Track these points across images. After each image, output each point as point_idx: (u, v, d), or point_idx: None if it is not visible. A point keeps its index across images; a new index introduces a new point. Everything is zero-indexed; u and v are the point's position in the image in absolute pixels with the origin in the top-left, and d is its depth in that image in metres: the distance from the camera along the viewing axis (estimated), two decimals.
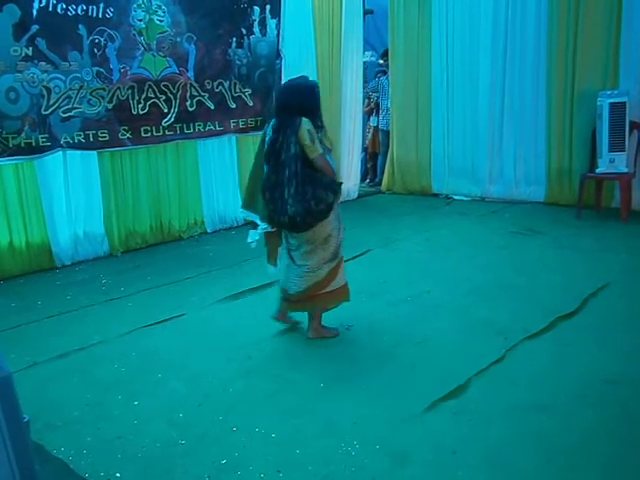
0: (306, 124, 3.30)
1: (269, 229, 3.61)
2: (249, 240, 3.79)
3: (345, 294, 3.68)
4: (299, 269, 3.56)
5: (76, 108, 5.38)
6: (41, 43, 5.06)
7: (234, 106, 6.63)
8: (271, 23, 6.82)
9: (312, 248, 3.52)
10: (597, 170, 6.34)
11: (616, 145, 6.16)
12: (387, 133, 8.81)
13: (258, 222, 3.63)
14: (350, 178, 8.31)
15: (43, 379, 3.34)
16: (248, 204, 3.73)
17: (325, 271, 3.55)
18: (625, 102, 6.10)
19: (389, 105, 8.64)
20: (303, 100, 3.38)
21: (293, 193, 3.28)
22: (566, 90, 6.84)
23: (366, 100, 9.10)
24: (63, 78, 5.26)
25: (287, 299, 3.69)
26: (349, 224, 6.69)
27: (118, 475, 2.46)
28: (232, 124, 6.65)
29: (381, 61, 9.35)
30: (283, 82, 3.71)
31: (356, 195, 8.43)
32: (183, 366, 3.42)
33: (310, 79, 3.57)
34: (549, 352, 3.39)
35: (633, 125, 6.25)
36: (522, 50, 7.13)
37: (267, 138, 3.44)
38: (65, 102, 5.30)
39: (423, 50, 8.00)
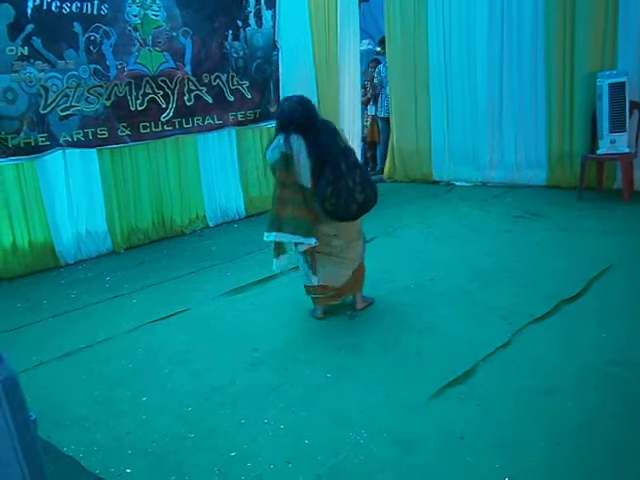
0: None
1: (315, 244, 3.58)
2: (276, 270, 3.78)
3: (364, 267, 3.98)
4: (346, 261, 3.81)
5: (74, 106, 5.37)
6: (37, 42, 5.05)
7: (232, 99, 6.62)
8: (267, 14, 6.79)
9: (358, 237, 3.84)
10: (598, 151, 6.32)
11: (617, 126, 6.13)
12: (387, 120, 8.79)
13: (304, 240, 3.54)
14: None
15: (50, 378, 3.36)
16: (280, 226, 3.56)
17: (361, 249, 3.90)
18: (624, 82, 6.06)
19: (388, 92, 8.61)
20: (314, 108, 3.68)
21: (359, 181, 3.50)
22: (565, 72, 6.80)
23: (362, 90, 9.07)
24: (60, 77, 5.25)
25: (339, 293, 3.87)
26: None
27: (129, 471, 2.47)
28: (231, 117, 6.63)
29: (378, 48, 9.31)
30: (284, 96, 3.79)
31: None
32: (189, 361, 3.44)
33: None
34: (554, 336, 3.40)
35: (633, 105, 6.22)
36: (520, 33, 7.08)
37: (301, 155, 3.46)
38: (63, 101, 5.29)
39: (420, 36, 7.94)
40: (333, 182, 3.44)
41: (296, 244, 3.62)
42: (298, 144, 3.46)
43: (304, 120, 3.50)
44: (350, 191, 3.45)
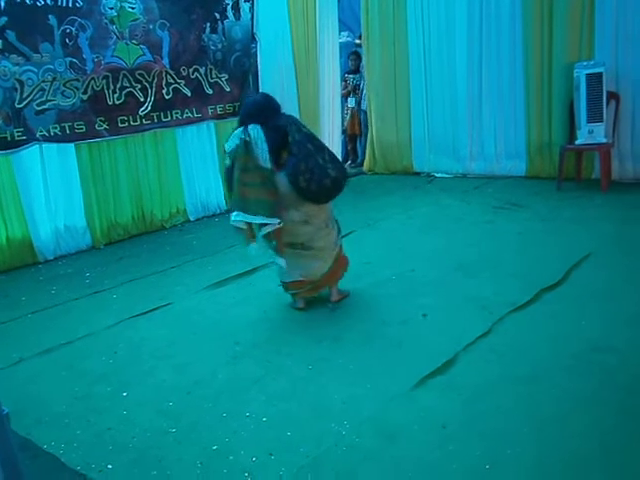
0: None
1: (278, 225, 3.56)
2: (252, 252, 3.74)
3: (346, 260, 4.04)
4: (320, 252, 3.80)
5: (50, 100, 5.31)
6: (11, 35, 4.98)
7: (211, 92, 6.58)
8: (245, 7, 6.75)
9: (330, 225, 3.84)
10: (576, 142, 6.36)
11: (594, 116, 6.18)
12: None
13: (267, 221, 3.55)
14: None
15: (30, 375, 3.32)
16: (245, 208, 3.56)
17: (339, 244, 3.95)
18: (602, 73, 6.10)
19: None
20: (276, 102, 3.75)
21: (329, 159, 3.59)
22: (543, 63, 6.84)
23: (343, 82, 9.05)
24: (35, 70, 5.19)
25: (316, 286, 3.87)
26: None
27: (110, 467, 2.46)
28: (210, 110, 6.59)
29: (357, 41, 9.29)
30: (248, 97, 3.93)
31: None
32: (171, 355, 3.42)
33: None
34: (535, 324, 3.42)
35: (610, 95, 6.27)
36: (498, 25, 7.09)
37: (258, 140, 3.50)
38: (39, 95, 5.22)
39: (399, 29, 7.93)
40: (304, 159, 3.50)
41: (260, 226, 3.61)
42: (255, 131, 3.52)
43: (261, 111, 3.62)
44: (322, 167, 3.52)
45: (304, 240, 3.75)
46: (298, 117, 7.49)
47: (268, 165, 3.52)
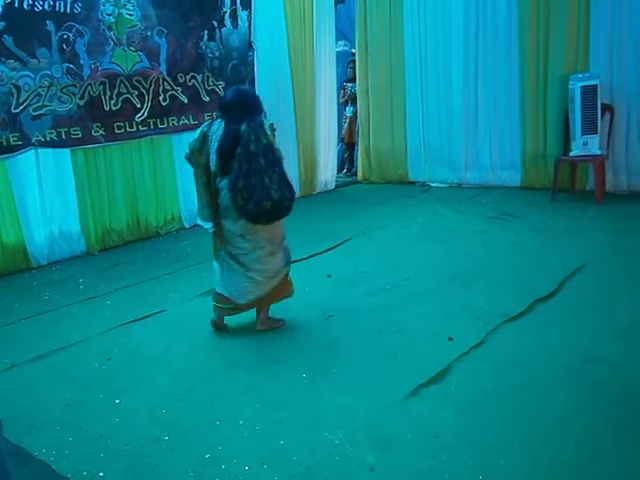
0: (266, 121, 3.50)
1: (211, 228, 3.59)
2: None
3: (290, 288, 3.78)
4: (254, 274, 3.56)
5: (47, 106, 5.30)
6: (8, 40, 4.97)
7: (208, 99, 6.59)
8: (242, 15, 6.77)
9: (273, 250, 3.56)
10: (571, 153, 6.41)
11: (589, 128, 6.22)
12: None
13: (201, 223, 3.59)
14: (327, 169, 8.31)
15: (23, 381, 3.30)
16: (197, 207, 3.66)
17: (284, 274, 3.68)
18: (596, 85, 6.15)
19: None
20: (254, 101, 3.54)
21: (277, 179, 3.34)
22: (538, 75, 6.89)
23: (341, 91, 9.08)
24: (32, 75, 5.18)
25: (237, 308, 3.68)
26: (327, 214, 6.75)
27: (101, 474, 2.44)
28: (206, 117, 6.58)
29: (354, 50, 9.32)
30: (230, 89, 3.70)
31: (333, 186, 8.43)
32: (165, 362, 3.41)
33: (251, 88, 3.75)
34: (528, 334, 3.43)
35: (604, 107, 6.31)
36: (494, 36, 7.16)
37: (214, 136, 3.43)
38: (35, 100, 5.22)
39: (396, 39, 7.98)
40: (246, 175, 3.30)
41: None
42: (217, 127, 3.45)
43: (230, 106, 3.48)
44: (266, 188, 3.30)
45: (242, 258, 3.55)
46: (294, 126, 7.60)
47: (213, 167, 3.45)
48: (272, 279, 3.62)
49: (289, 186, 3.43)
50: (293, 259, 4.97)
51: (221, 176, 3.44)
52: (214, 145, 3.42)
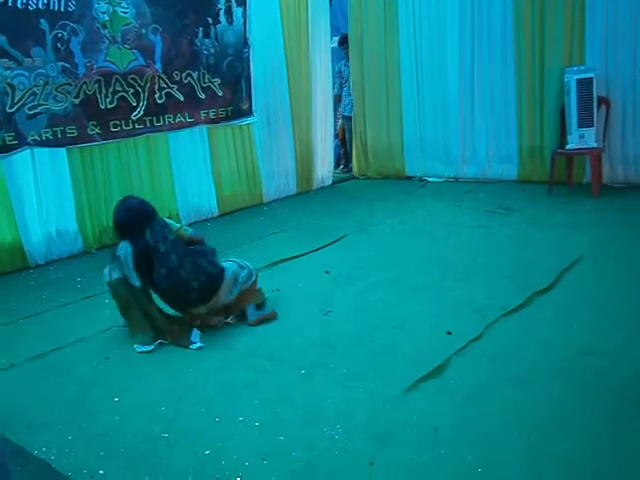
0: (160, 216, 3.75)
1: (151, 350, 3.55)
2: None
3: (259, 296, 3.92)
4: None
5: (42, 105, 5.28)
6: (2, 39, 4.95)
7: (204, 97, 6.58)
8: (237, 11, 6.76)
9: (235, 279, 3.74)
10: (567, 146, 6.41)
11: (585, 121, 6.22)
12: (350, 118, 8.82)
13: (141, 348, 3.54)
14: (324, 165, 8.31)
15: (21, 380, 3.30)
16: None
17: (250, 283, 3.83)
18: (592, 78, 6.15)
19: (351, 91, 8.67)
20: (144, 209, 3.71)
21: (190, 269, 3.56)
22: (534, 68, 6.89)
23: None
24: (27, 74, 5.16)
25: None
26: (324, 210, 6.77)
27: (102, 472, 2.44)
28: (202, 115, 6.59)
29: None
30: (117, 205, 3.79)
31: (330, 182, 8.43)
32: (163, 360, 3.41)
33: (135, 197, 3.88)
34: (526, 328, 3.44)
35: (600, 100, 6.32)
36: (490, 29, 7.15)
37: (128, 257, 3.53)
38: (30, 99, 5.20)
39: (391, 33, 7.97)
40: (166, 277, 3.53)
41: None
42: (125, 249, 3.57)
43: (127, 226, 3.63)
44: (185, 281, 3.53)
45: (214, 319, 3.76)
46: (291, 122, 7.59)
47: (137, 283, 3.56)
48: (236, 287, 3.76)
49: (204, 271, 3.60)
50: (290, 255, 5.02)
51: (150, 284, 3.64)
52: (129, 264, 3.55)
